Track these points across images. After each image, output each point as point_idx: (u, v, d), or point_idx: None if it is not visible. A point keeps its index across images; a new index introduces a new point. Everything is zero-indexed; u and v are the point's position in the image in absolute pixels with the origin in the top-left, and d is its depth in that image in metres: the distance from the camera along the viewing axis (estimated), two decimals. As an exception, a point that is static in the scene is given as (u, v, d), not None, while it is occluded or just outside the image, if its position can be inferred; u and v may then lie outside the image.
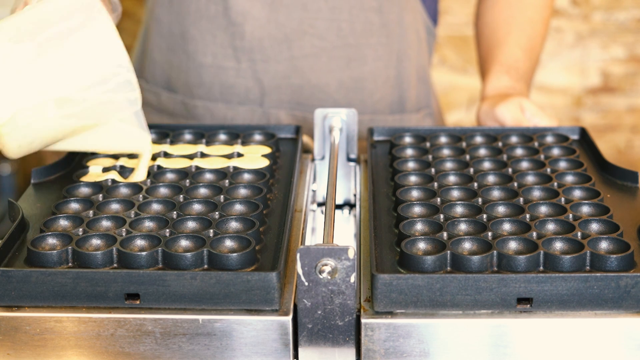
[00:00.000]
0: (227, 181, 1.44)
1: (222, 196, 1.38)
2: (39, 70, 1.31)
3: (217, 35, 1.89)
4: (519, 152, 1.56)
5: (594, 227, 1.29)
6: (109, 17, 1.35)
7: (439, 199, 1.37)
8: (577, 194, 1.40)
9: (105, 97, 1.35)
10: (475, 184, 1.42)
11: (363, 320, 1.17)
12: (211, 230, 1.27)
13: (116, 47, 1.34)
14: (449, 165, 1.50)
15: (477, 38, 2.03)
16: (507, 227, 1.29)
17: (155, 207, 1.36)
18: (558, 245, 1.24)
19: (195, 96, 1.94)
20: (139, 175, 1.44)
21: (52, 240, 1.26)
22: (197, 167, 1.48)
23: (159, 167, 1.48)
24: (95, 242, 1.26)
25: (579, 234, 1.26)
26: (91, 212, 1.33)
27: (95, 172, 1.46)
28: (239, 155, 1.53)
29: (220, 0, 1.87)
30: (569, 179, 1.45)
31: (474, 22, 2.06)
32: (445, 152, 1.56)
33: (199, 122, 1.94)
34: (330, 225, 1.25)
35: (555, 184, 1.42)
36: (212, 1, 1.88)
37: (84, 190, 1.41)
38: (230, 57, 1.89)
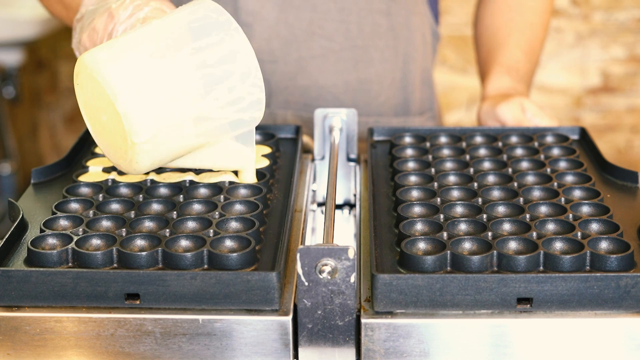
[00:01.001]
0: (227, 181, 1.44)
1: (222, 196, 1.38)
2: (181, 87, 1.28)
3: None
4: (519, 152, 1.56)
5: (594, 227, 1.29)
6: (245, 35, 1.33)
7: (439, 199, 1.37)
8: (577, 194, 1.40)
9: (235, 115, 1.33)
10: (475, 184, 1.42)
11: (363, 320, 1.17)
12: (211, 230, 1.27)
13: (254, 66, 1.32)
14: (449, 165, 1.50)
15: (477, 40, 2.03)
16: (507, 227, 1.29)
17: (155, 207, 1.36)
18: (558, 245, 1.24)
19: None
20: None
21: (52, 240, 1.26)
22: (197, 167, 1.48)
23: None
24: (95, 242, 1.26)
25: (579, 234, 1.26)
26: (91, 212, 1.33)
27: (95, 172, 1.46)
28: (239, 155, 1.53)
29: (230, 0, 1.87)
30: (569, 179, 1.45)
31: (473, 24, 2.06)
32: (445, 152, 1.56)
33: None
34: (330, 225, 1.25)
35: (555, 184, 1.42)
36: (221, 1, 1.88)
37: (84, 190, 1.41)
38: None
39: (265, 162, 1.50)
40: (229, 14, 1.33)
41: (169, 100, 1.28)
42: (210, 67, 1.30)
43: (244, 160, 1.40)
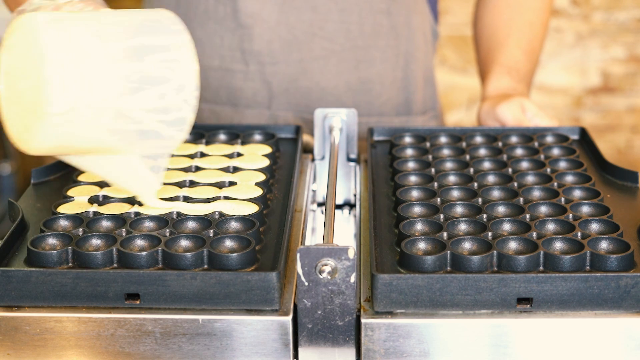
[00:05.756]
0: (227, 181, 1.44)
1: (222, 196, 1.38)
2: (114, 74, 1.24)
3: (225, 37, 1.88)
4: (519, 152, 1.56)
5: (594, 227, 1.29)
6: (193, 49, 1.30)
7: (439, 199, 1.37)
8: (577, 194, 1.40)
9: (156, 126, 1.28)
10: (475, 184, 1.42)
11: (363, 320, 1.17)
12: (211, 230, 1.27)
13: (192, 83, 1.29)
14: (449, 165, 1.50)
15: (476, 40, 2.03)
16: (507, 227, 1.29)
17: (155, 207, 1.36)
18: (558, 245, 1.24)
19: (201, 99, 1.93)
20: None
21: (52, 240, 1.26)
22: (197, 167, 1.48)
23: (159, 167, 1.48)
24: (95, 242, 1.26)
25: (579, 234, 1.26)
26: (91, 212, 1.33)
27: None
28: (239, 155, 1.53)
29: (229, 2, 1.86)
30: (569, 179, 1.45)
31: (472, 23, 2.06)
32: (445, 152, 1.56)
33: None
34: (330, 225, 1.25)
35: (555, 184, 1.42)
36: (220, 2, 1.87)
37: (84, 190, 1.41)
38: (238, 60, 1.89)
39: (266, 162, 1.50)
40: (184, 27, 1.30)
41: (96, 82, 1.23)
42: (150, 65, 1.26)
43: (144, 188, 1.34)
